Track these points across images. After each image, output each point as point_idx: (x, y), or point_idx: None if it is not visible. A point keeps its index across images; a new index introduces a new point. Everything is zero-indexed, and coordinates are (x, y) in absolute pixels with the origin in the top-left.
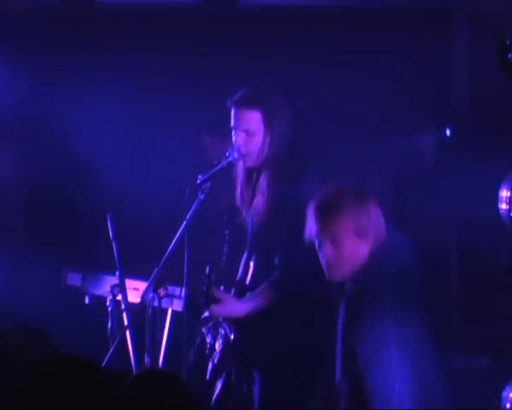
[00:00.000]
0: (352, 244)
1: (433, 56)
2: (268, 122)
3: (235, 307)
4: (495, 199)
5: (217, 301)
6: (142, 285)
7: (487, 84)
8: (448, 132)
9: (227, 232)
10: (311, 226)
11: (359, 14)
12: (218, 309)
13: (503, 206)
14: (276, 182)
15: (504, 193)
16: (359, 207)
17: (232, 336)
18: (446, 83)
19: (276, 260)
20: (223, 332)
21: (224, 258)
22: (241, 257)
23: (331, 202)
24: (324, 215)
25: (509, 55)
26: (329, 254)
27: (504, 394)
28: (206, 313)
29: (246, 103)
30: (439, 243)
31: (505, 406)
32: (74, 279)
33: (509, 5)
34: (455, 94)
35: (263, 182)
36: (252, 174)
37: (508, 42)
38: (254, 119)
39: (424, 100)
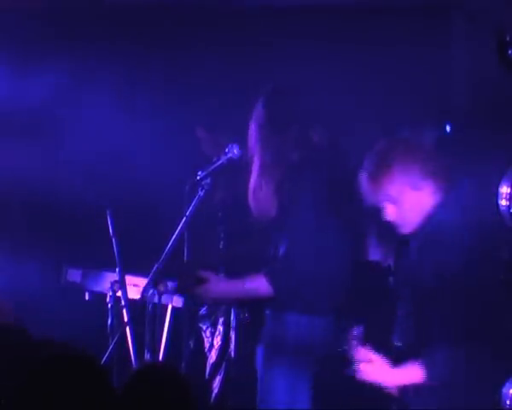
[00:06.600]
0: (410, 199)
1: (432, 53)
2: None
3: (224, 284)
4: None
5: (202, 281)
6: (142, 281)
7: (487, 81)
8: (448, 129)
9: (222, 229)
10: (366, 192)
11: (358, 12)
12: (206, 289)
13: (503, 202)
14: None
15: (504, 189)
16: (410, 160)
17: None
18: (446, 79)
19: (271, 251)
20: (221, 329)
21: (220, 254)
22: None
23: (379, 163)
24: (375, 177)
25: (510, 52)
26: (392, 215)
27: (504, 390)
28: (204, 310)
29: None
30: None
31: (505, 402)
32: (74, 276)
33: (509, 1)
34: (454, 90)
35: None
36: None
37: (508, 38)
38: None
39: (424, 97)
